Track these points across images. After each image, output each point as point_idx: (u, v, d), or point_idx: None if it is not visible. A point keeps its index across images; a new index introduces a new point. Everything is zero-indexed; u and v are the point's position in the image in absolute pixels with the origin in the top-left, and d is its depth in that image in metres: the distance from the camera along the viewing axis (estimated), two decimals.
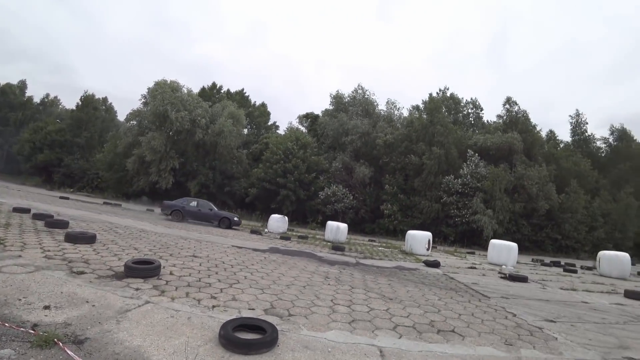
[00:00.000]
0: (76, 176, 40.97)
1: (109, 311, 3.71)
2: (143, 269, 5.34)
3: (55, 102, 63.44)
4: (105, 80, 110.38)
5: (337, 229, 17.99)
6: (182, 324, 3.65)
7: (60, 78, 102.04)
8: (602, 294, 9.78)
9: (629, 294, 9.50)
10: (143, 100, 35.10)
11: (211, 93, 46.15)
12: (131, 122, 35.58)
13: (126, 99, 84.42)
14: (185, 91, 35.26)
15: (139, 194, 32.76)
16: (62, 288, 4.26)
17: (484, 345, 4.28)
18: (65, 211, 14.15)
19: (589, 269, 17.87)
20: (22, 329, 2.98)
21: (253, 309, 4.58)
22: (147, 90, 34.24)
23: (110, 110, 52.18)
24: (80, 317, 3.44)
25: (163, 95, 31.62)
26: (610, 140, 39.92)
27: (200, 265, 6.96)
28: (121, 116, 49.25)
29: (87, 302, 3.90)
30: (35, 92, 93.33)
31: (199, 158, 34.26)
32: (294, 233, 20.39)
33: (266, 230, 19.14)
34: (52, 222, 9.18)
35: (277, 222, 19.46)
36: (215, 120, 34.14)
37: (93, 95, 47.82)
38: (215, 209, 19.57)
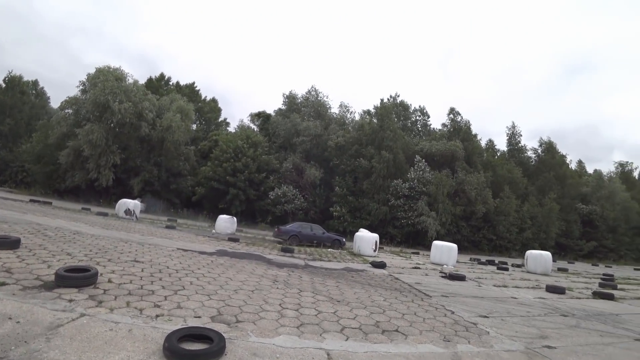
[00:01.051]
0: None
1: (37, 328, 3.39)
2: (77, 278, 4.94)
3: None
4: (37, 61, 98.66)
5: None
6: (122, 337, 3.46)
7: None
8: (528, 289, 10.93)
9: (550, 289, 10.82)
10: (82, 87, 32.23)
11: (159, 85, 43.73)
12: (66, 111, 32.47)
13: (62, 84, 76.66)
14: (131, 81, 32.93)
15: (73, 190, 30.04)
16: None
17: (424, 343, 4.57)
18: None
19: (519, 266, 19.71)
20: None
21: (199, 317, 4.46)
22: (86, 77, 31.46)
23: (41, 95, 47.02)
24: (2, 336, 3.11)
25: (105, 83, 29.29)
26: (539, 151, 44.33)
27: (142, 271, 6.60)
28: (54, 103, 44.67)
29: (10, 318, 3.53)
30: None
31: (144, 153, 32.28)
32: (243, 234, 20.05)
33: (214, 231, 18.60)
34: None
35: (226, 222, 18.97)
36: (163, 114, 32.40)
37: (20, 77, 42.84)
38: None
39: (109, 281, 5.52)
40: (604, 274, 19.55)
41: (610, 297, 10.49)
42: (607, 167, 54.08)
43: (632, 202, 43.09)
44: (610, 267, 29.90)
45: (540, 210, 35.28)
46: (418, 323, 5.54)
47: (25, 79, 44.14)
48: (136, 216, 19.39)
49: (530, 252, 18.36)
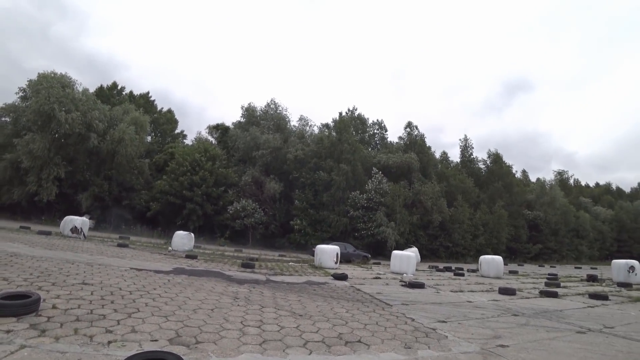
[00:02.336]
0: None
1: None
2: (15, 305, 4.50)
3: None
4: None
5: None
6: None
7: None
8: (482, 293, 11.58)
9: (502, 291, 11.60)
10: (22, 94, 29.91)
11: (111, 94, 41.63)
12: (3, 119, 29.94)
13: (2, 91, 70.25)
14: (80, 89, 31.09)
15: (11, 207, 27.46)
16: None
17: (387, 352, 4.68)
18: None
19: (474, 271, 20.82)
20: None
21: (156, 340, 4.25)
22: (28, 83, 29.21)
23: None
24: None
25: (50, 91, 27.34)
26: (488, 162, 47.56)
27: (92, 294, 6.16)
28: None
29: None
30: None
31: (93, 167, 30.41)
32: (202, 250, 19.40)
33: (170, 248, 17.83)
34: None
35: (183, 239, 18.28)
36: (115, 125, 30.84)
37: None
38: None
39: (54, 307, 5.10)
40: (549, 274, 21.36)
41: (555, 295, 11.48)
42: (547, 175, 59.66)
43: (569, 206, 47.93)
44: (555, 267, 32.53)
45: (491, 217, 37.68)
46: (380, 332, 5.65)
47: None
48: (84, 234, 18.07)
49: (483, 257, 19.51)
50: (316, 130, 40.82)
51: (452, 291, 11.43)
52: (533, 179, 56.70)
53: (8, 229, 17.81)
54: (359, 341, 5.09)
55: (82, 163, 29.97)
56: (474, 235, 35.92)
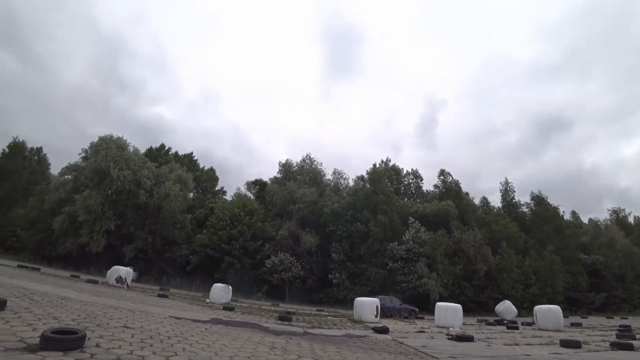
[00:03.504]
0: None
1: None
2: (63, 340, 4.64)
3: None
4: (43, 129, 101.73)
5: None
6: None
7: None
8: (541, 346, 10.34)
9: (564, 343, 10.17)
10: (83, 154, 33.25)
11: (159, 154, 45.02)
12: (66, 177, 33.01)
13: (65, 151, 77.96)
14: (132, 149, 34.07)
15: (64, 257, 29.19)
16: None
17: None
18: None
19: (529, 324, 18.75)
20: None
21: None
22: (89, 145, 32.53)
23: (42, 161, 47.42)
24: None
25: (107, 151, 30.22)
26: (532, 205, 44.65)
27: (132, 336, 6.22)
28: (55, 169, 45.01)
29: None
30: None
31: (139, 221, 32.05)
32: (239, 304, 19.23)
33: (208, 300, 17.93)
34: None
35: (220, 291, 18.38)
36: (161, 183, 32.89)
37: (23, 143, 43.67)
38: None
39: (97, 345, 5.18)
40: (620, 326, 18.25)
41: (630, 347, 9.86)
42: (601, 215, 53.53)
43: (633, 247, 42.10)
44: (627, 318, 28.32)
45: (542, 263, 34.61)
46: None
47: (30, 146, 45.14)
48: (127, 284, 18.66)
49: (538, 308, 17.54)
50: (351, 182, 41.09)
51: (505, 344, 10.32)
52: (585, 219, 51.44)
53: (60, 277, 18.80)
54: None
55: (129, 217, 31.72)
56: (525, 284, 32.74)
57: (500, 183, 46.93)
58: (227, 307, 15.00)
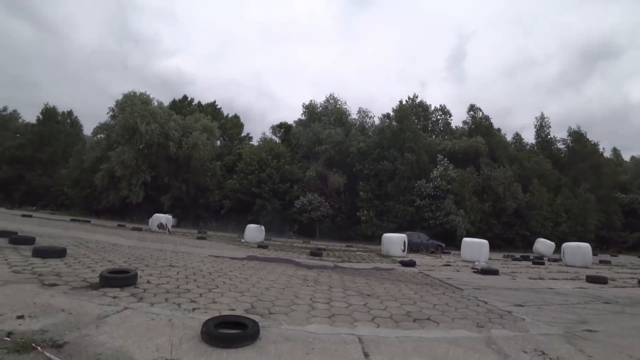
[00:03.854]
0: (39, 193, 38.89)
1: (86, 318, 3.66)
2: (119, 278, 5.26)
3: (14, 116, 59.88)
4: (70, 96, 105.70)
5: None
6: (163, 325, 3.67)
7: (20, 92, 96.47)
8: (566, 281, 10.47)
9: (590, 279, 10.23)
10: (111, 113, 34.17)
11: (182, 105, 45.45)
12: (98, 136, 34.47)
13: (93, 115, 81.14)
14: (156, 104, 34.57)
15: (109, 209, 31.56)
16: (35, 299, 4.15)
17: (457, 329, 4.53)
18: (29, 228, 13.46)
19: (555, 260, 18.88)
20: None
21: (234, 310, 4.63)
22: (115, 103, 33.33)
23: (75, 124, 49.81)
24: (57, 324, 3.38)
25: (133, 107, 30.88)
26: (569, 141, 42.34)
27: (177, 273, 6.88)
28: (87, 131, 47.10)
29: (63, 310, 3.82)
30: None
31: (172, 171, 33.52)
32: (271, 242, 20.32)
33: (243, 240, 18.97)
34: (17, 239, 8.75)
35: (254, 231, 19.34)
36: (189, 133, 33.63)
37: (54, 108, 45.62)
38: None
39: (148, 282, 5.81)
40: None
41: None
42: None
43: None
44: None
45: (575, 202, 33.68)
46: (450, 312, 5.47)
47: (59, 110, 46.99)
48: (168, 229, 20.11)
49: (566, 245, 17.53)
50: (377, 121, 40.28)
51: (530, 278, 10.54)
52: (626, 157, 49.13)
53: (109, 227, 20.51)
54: (428, 319, 4.99)
55: (163, 169, 33.20)
56: (555, 222, 32.38)
57: (536, 118, 44.40)
58: (261, 246, 15.99)
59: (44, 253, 7.04)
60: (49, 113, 44.25)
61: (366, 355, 3.34)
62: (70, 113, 49.38)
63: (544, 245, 23.32)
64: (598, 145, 41.85)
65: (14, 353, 2.66)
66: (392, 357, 3.33)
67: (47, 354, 2.67)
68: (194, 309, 4.46)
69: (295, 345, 3.43)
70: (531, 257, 19.26)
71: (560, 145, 43.04)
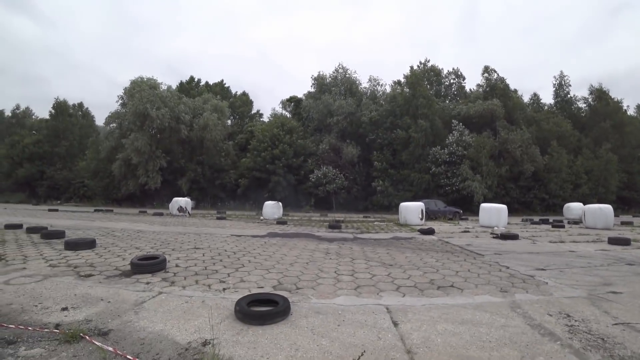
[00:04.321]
0: (61, 187, 40.11)
1: (125, 305, 3.85)
2: (149, 264, 5.48)
3: (27, 113, 61.04)
4: (79, 88, 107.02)
5: None
6: (197, 307, 3.84)
7: (31, 89, 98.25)
8: (587, 243, 10.31)
9: (612, 241, 10.06)
10: (121, 101, 34.25)
11: (190, 87, 45.21)
12: (111, 125, 34.77)
13: (104, 104, 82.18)
14: (164, 88, 34.49)
15: (129, 197, 32.40)
16: (75, 291, 4.38)
17: (481, 295, 4.59)
18: (57, 222, 14.05)
19: (576, 223, 18.59)
20: (46, 329, 3.11)
21: (262, 287, 4.79)
22: (124, 90, 33.39)
23: (87, 115, 50.37)
24: (99, 313, 3.58)
25: (141, 93, 30.88)
26: (590, 100, 40.46)
27: (203, 255, 7.11)
28: (99, 121, 47.64)
29: (102, 299, 4.03)
30: (6, 105, 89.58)
31: (186, 154, 33.91)
32: (290, 217, 20.61)
33: (261, 217, 19.28)
34: (48, 234, 9.16)
35: (272, 208, 19.59)
36: (199, 115, 33.64)
37: (65, 102, 46.15)
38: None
39: (176, 266, 6.04)
40: None
41: None
42: None
43: None
44: None
45: (596, 163, 32.59)
46: (473, 278, 5.53)
47: (70, 103, 47.45)
48: (188, 212, 20.59)
49: (587, 207, 17.08)
50: (388, 89, 39.13)
51: (550, 242, 10.43)
52: None
53: (131, 214, 21.14)
54: (452, 286, 5.06)
55: (177, 152, 33.57)
56: (575, 184, 31.51)
57: (554, 77, 42.28)
58: (280, 222, 16.23)
59: (75, 245, 7.35)
60: (60, 107, 44.77)
61: (395, 324, 3.43)
62: (81, 105, 49.80)
63: (571, 208, 22.63)
64: (621, 102, 39.58)
65: (64, 344, 2.84)
66: (420, 324, 3.42)
67: (97, 343, 2.84)
68: (224, 289, 4.63)
69: (326, 318, 3.55)
70: (550, 220, 18.99)
71: (581, 105, 41.02)
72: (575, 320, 3.59)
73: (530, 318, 3.65)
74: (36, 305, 3.80)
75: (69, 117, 45.40)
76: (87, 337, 2.91)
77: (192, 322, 3.37)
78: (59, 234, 9.22)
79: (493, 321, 3.54)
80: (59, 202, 36.16)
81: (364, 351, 2.71)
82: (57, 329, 3.12)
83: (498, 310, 3.92)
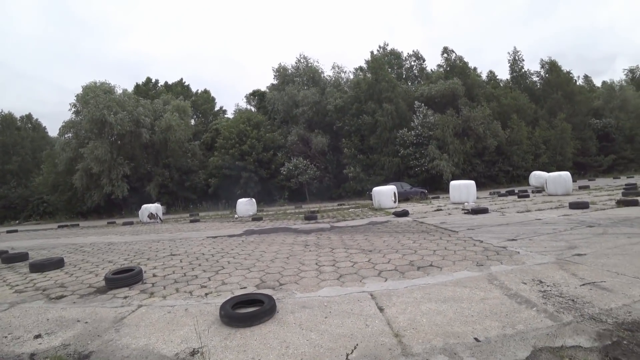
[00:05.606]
0: (18, 206, 37.56)
1: (104, 324, 3.69)
2: (125, 278, 5.25)
3: None
4: (25, 98, 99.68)
5: None
6: (181, 316, 3.74)
7: None
8: (551, 210, 11.00)
9: (573, 205, 10.78)
10: (74, 109, 32.32)
11: (147, 89, 43.48)
12: (66, 136, 32.81)
13: (55, 114, 77.36)
14: (120, 91, 32.88)
15: (95, 209, 30.92)
16: (47, 315, 4.15)
17: (459, 271, 4.78)
18: (18, 244, 13.20)
19: (539, 191, 19.68)
20: None
21: (245, 288, 4.74)
22: (76, 97, 31.46)
23: (38, 127, 47.12)
24: (77, 335, 3.41)
25: (96, 99, 29.27)
26: (542, 73, 42.58)
27: (181, 261, 6.93)
28: (52, 132, 44.90)
29: (78, 321, 3.84)
30: None
31: (151, 159, 32.71)
32: (265, 213, 20.47)
33: (236, 215, 19.04)
34: (9, 257, 8.55)
35: (246, 205, 19.39)
36: (160, 117, 32.41)
37: (11, 114, 43.05)
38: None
39: (154, 276, 5.84)
40: (626, 184, 19.19)
41: (635, 203, 10.40)
42: (616, 76, 51.46)
43: None
44: (632, 177, 29.50)
45: (552, 132, 34.61)
46: (450, 256, 5.74)
47: (16, 115, 44.29)
48: (160, 218, 19.95)
49: (548, 175, 18.19)
50: (351, 75, 39.41)
51: (518, 212, 11.03)
52: (598, 83, 49.93)
53: (99, 226, 20.21)
54: (431, 265, 5.23)
55: (141, 158, 32.31)
56: (535, 155, 33.39)
57: (508, 53, 44.38)
58: (256, 218, 16.11)
59: (41, 267, 6.92)
60: (6, 120, 41.82)
61: (381, 309, 3.51)
62: (29, 117, 46.60)
63: (536, 178, 23.67)
64: (571, 73, 42.24)
65: None
66: (405, 307, 3.52)
67: None
68: (206, 294, 4.54)
69: (312, 312, 3.57)
70: (516, 191, 19.98)
71: (535, 78, 43.30)
72: (547, 286, 3.82)
73: (507, 288, 3.85)
74: (6, 337, 3.56)
75: (17, 130, 42.51)
76: None
77: (177, 332, 3.28)
78: (21, 257, 8.64)
79: (473, 295, 3.70)
80: (17, 222, 33.90)
81: (357, 344, 2.76)
82: (32, 359, 2.95)
83: (477, 284, 4.10)
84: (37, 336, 3.50)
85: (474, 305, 3.41)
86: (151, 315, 3.83)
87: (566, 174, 17.29)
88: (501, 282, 4.08)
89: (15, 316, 4.21)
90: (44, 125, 48.24)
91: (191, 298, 4.43)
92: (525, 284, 3.95)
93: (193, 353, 2.82)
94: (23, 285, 5.88)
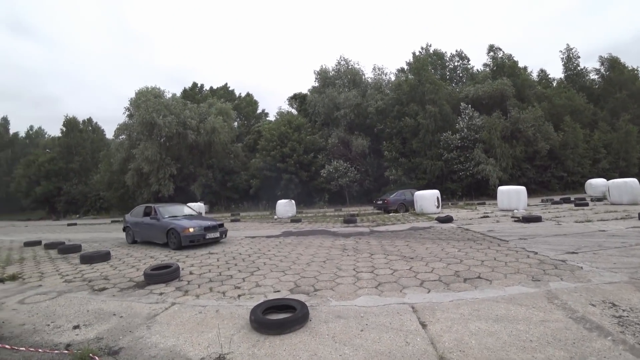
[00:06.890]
0: (79, 201, 40.95)
1: (137, 319, 3.70)
2: (162, 274, 5.33)
3: (40, 132, 62.65)
4: (87, 104, 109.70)
5: None
6: (211, 317, 3.65)
7: (44, 110, 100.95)
8: (617, 221, 9.76)
9: None
10: (127, 112, 34.59)
11: (194, 93, 45.46)
12: (120, 137, 35.14)
13: (112, 118, 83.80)
14: (169, 96, 34.70)
15: None
16: (88, 306, 4.26)
17: (512, 285, 4.28)
18: (75, 236, 14.18)
19: (599, 200, 17.86)
20: (56, 351, 2.97)
21: (278, 291, 4.58)
22: (129, 101, 33.70)
23: (97, 129, 51.33)
24: (111, 329, 3.43)
25: (147, 103, 31.09)
26: (602, 71, 38.87)
27: (217, 260, 6.96)
28: (109, 134, 48.51)
29: (114, 314, 3.89)
30: (21, 128, 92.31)
31: (195, 160, 34.05)
32: (304, 215, 20.42)
33: (275, 216, 19.14)
34: (65, 248, 9.18)
35: (285, 207, 19.44)
36: (205, 120, 33.70)
37: (75, 118, 47.03)
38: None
39: (190, 273, 5.89)
40: None
41: None
42: None
43: None
44: None
45: (614, 135, 31.38)
46: (500, 267, 5.22)
47: (79, 119, 48.35)
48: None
49: (612, 182, 16.30)
50: (392, 77, 38.50)
51: (576, 222, 9.93)
52: None
53: None
54: (479, 277, 4.76)
55: (187, 159, 33.76)
56: (593, 159, 30.39)
57: (560, 51, 40.66)
58: (295, 220, 16.04)
59: (90, 259, 7.29)
60: (70, 124, 45.73)
61: (423, 325, 3.18)
62: (90, 120, 50.72)
63: (593, 185, 21.39)
64: (637, 70, 38.07)
65: None
66: (451, 324, 3.15)
67: None
68: (239, 296, 4.44)
69: (347, 323, 3.31)
70: (572, 199, 18.27)
71: (593, 76, 39.58)
72: (623, 310, 3.26)
73: (571, 310, 3.34)
74: (48, 325, 3.68)
75: (79, 132, 46.35)
76: (97, 358, 2.75)
77: (205, 334, 3.18)
78: (75, 248, 9.23)
79: (531, 316, 3.25)
80: (77, 216, 36.87)
81: None
82: (67, 350, 2.98)
83: (534, 302, 3.61)
84: (76, 327, 3.57)
85: (533, 328, 2.97)
86: (182, 314, 3.78)
87: (633, 181, 15.43)
88: (563, 302, 3.56)
89: (60, 305, 4.37)
90: (102, 127, 52.52)
91: (223, 299, 4.35)
92: (594, 306, 3.41)
93: (219, 359, 2.68)
94: (72, 276, 6.18)
